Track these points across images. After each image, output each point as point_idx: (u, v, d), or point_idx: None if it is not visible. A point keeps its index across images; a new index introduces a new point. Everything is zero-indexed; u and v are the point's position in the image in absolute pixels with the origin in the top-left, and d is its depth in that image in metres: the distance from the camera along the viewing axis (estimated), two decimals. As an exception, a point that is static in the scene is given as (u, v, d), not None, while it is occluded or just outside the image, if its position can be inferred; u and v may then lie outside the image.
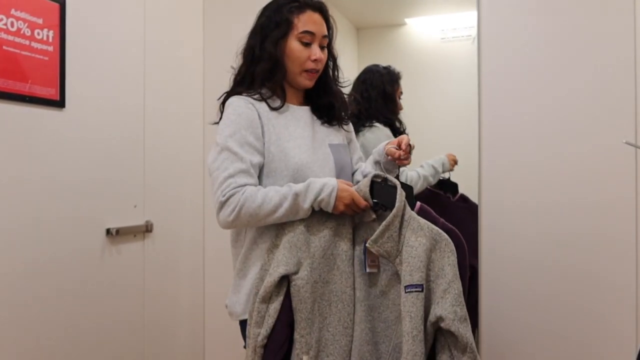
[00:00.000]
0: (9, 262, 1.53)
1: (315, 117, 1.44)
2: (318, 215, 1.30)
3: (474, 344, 1.19)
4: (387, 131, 1.93)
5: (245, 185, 1.25)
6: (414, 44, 2.02)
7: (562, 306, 1.79)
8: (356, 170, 1.53)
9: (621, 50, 1.74)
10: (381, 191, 1.28)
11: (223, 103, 1.39)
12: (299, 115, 1.40)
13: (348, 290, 1.28)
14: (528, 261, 1.83)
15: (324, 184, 1.25)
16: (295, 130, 1.37)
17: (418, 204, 1.35)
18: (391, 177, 1.28)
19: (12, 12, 1.54)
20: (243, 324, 1.36)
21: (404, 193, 1.25)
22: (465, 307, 1.20)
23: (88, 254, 1.78)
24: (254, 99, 1.35)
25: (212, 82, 2.33)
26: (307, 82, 1.38)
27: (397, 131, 1.96)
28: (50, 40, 1.65)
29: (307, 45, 1.34)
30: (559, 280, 1.79)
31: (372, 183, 1.29)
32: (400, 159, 1.40)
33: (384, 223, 1.22)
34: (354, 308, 1.28)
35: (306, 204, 1.24)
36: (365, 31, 2.08)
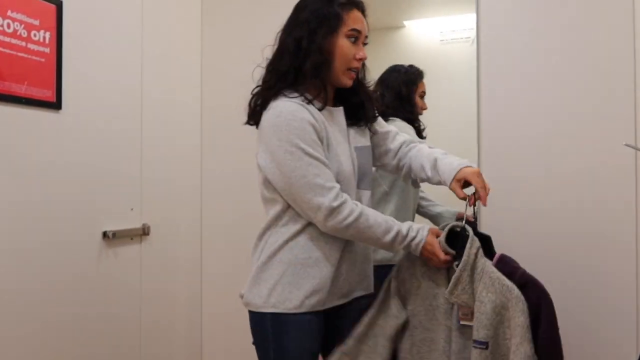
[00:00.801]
0: (5, 265, 1.52)
1: (347, 120, 1.40)
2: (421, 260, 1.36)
3: None
4: (406, 125, 1.90)
5: (338, 188, 1.26)
6: (413, 46, 2.02)
7: (562, 307, 1.78)
8: (404, 151, 1.50)
9: (620, 52, 1.74)
10: (458, 241, 1.30)
11: (261, 97, 1.35)
12: (337, 118, 1.37)
13: (442, 342, 1.31)
14: (528, 262, 1.82)
15: (418, 230, 1.30)
16: (339, 134, 1.35)
17: (498, 254, 1.34)
18: (468, 227, 1.29)
19: (9, 13, 1.54)
20: (257, 315, 1.33)
21: (475, 245, 1.26)
22: None
23: (85, 257, 1.76)
24: (302, 102, 1.29)
25: (210, 84, 2.33)
26: (348, 81, 1.35)
27: (417, 130, 1.92)
28: (47, 41, 1.64)
29: (354, 42, 1.32)
30: (559, 282, 1.78)
31: (450, 232, 1.31)
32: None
33: (454, 276, 1.25)
34: None
35: (401, 246, 1.31)
36: (365, 32, 2.07)
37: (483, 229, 1.86)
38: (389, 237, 1.28)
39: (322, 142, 1.27)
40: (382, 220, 1.29)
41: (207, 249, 2.32)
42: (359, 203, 1.30)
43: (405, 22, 2.02)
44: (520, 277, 1.27)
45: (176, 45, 2.21)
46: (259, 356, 1.35)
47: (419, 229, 1.31)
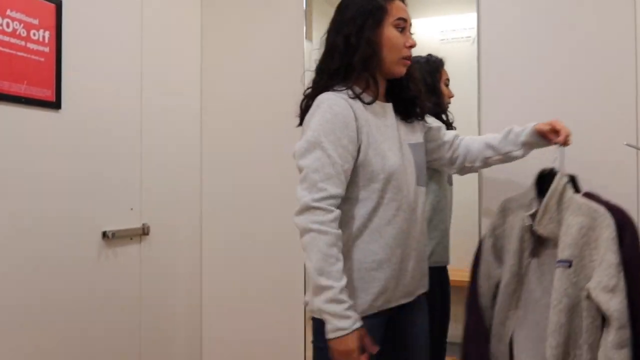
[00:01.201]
0: (4, 265, 1.51)
1: (397, 115, 1.39)
2: None
3: (621, 313, 1.20)
4: (435, 120, 1.87)
5: (334, 198, 1.21)
6: (413, 45, 2.02)
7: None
8: (457, 143, 1.54)
9: (621, 51, 1.73)
10: (547, 181, 1.39)
11: (312, 97, 1.33)
12: (387, 113, 1.35)
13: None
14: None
15: (348, 317, 1.17)
16: (387, 130, 1.32)
17: (584, 190, 1.41)
18: (557, 168, 1.39)
19: (8, 12, 1.53)
20: (318, 320, 1.26)
21: (564, 178, 1.36)
22: (615, 277, 1.21)
23: (84, 257, 1.76)
24: (349, 95, 1.28)
25: (210, 84, 2.32)
26: (402, 69, 1.35)
27: (445, 124, 1.86)
28: (46, 41, 1.64)
29: (402, 31, 1.33)
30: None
31: (540, 176, 1.42)
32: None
33: (541, 204, 1.36)
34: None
35: (322, 305, 1.17)
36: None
37: (483, 220, 1.86)
38: (321, 281, 1.16)
39: (358, 137, 1.25)
40: (334, 259, 1.17)
41: (207, 249, 2.32)
42: (338, 222, 1.21)
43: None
44: (605, 204, 1.31)
45: (176, 44, 2.21)
46: (317, 357, 1.31)
47: (354, 320, 1.17)
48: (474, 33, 1.89)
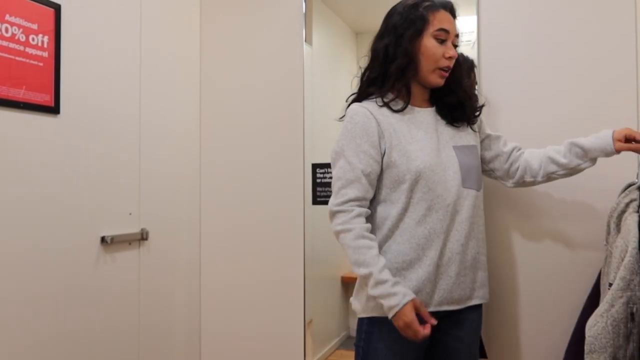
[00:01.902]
0: (3, 269, 1.50)
1: (439, 118, 1.41)
2: None
3: (593, 339, 1.17)
4: None
5: (355, 200, 1.30)
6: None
7: (566, 308, 1.76)
8: (517, 154, 1.52)
9: (622, 54, 1.73)
10: None
11: (348, 106, 1.41)
12: (421, 118, 1.39)
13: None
14: (527, 260, 1.81)
15: (396, 294, 1.23)
16: (418, 132, 1.36)
17: None
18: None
19: (7, 17, 1.53)
20: (359, 320, 1.38)
21: (630, 196, 1.32)
22: (607, 304, 1.18)
23: (83, 262, 1.75)
24: (377, 104, 1.36)
25: (208, 88, 2.32)
26: (439, 80, 1.37)
27: None
28: (45, 45, 1.64)
29: (442, 42, 1.34)
30: (561, 282, 1.77)
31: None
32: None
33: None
34: None
35: (373, 292, 1.26)
36: (364, 36, 2.06)
37: (486, 227, 1.84)
38: (361, 271, 1.27)
39: (380, 142, 1.32)
40: (365, 248, 1.26)
41: (206, 254, 2.31)
42: (362, 218, 1.30)
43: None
44: None
45: (175, 49, 2.21)
46: (355, 356, 1.39)
47: (403, 294, 1.24)
48: (473, 37, 1.89)
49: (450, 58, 1.35)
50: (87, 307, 1.76)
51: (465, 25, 1.91)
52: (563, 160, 1.45)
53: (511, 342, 1.83)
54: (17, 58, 1.56)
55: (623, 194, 1.37)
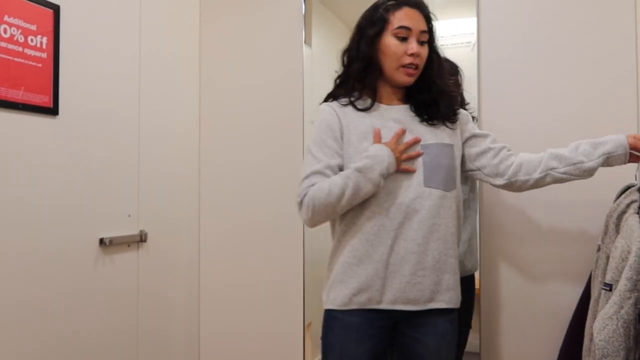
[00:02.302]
0: (0, 271, 1.49)
1: (413, 116, 1.40)
2: None
3: (605, 343, 1.15)
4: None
5: (315, 174, 1.34)
6: (412, 51, 2.01)
7: (565, 310, 1.75)
8: (506, 155, 1.46)
9: (622, 55, 1.73)
10: None
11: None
12: (388, 115, 1.39)
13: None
14: (527, 261, 1.81)
15: (377, 150, 1.29)
16: (382, 129, 1.36)
17: None
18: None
19: (5, 18, 1.52)
20: (324, 312, 1.40)
21: (630, 197, 1.31)
22: (616, 305, 1.16)
23: (81, 263, 1.74)
24: (341, 103, 1.41)
25: (208, 89, 2.32)
26: (405, 77, 1.36)
27: None
28: (44, 46, 1.63)
29: (403, 40, 1.34)
30: (561, 283, 1.76)
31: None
32: None
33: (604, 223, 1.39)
34: None
35: (373, 175, 1.27)
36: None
37: (483, 228, 1.84)
38: (352, 181, 1.28)
39: (342, 138, 1.36)
40: (339, 176, 1.30)
41: (205, 256, 2.30)
42: (313, 186, 1.32)
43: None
44: None
45: (174, 50, 2.20)
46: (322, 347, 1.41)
47: (376, 150, 1.30)
48: (473, 38, 1.89)
49: (412, 55, 1.34)
50: (85, 309, 1.75)
51: (466, 26, 1.91)
52: (567, 154, 1.39)
53: (504, 342, 1.82)
54: (15, 59, 1.55)
55: (623, 195, 1.36)
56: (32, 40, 1.60)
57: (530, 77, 1.82)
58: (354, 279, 1.33)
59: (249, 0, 2.25)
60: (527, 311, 1.81)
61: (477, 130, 1.48)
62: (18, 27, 1.56)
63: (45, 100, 1.64)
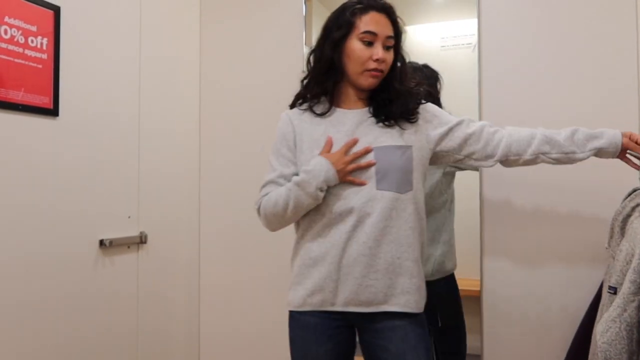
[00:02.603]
0: (1, 273, 1.49)
1: (368, 118, 1.39)
2: None
3: (607, 346, 1.14)
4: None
5: (270, 184, 1.39)
6: (413, 52, 1.98)
7: (567, 313, 1.75)
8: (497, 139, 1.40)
9: (623, 57, 1.72)
10: None
11: None
12: (343, 120, 1.38)
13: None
14: (528, 261, 1.80)
15: (315, 164, 1.31)
16: (335, 135, 1.36)
17: None
18: None
19: (6, 19, 1.52)
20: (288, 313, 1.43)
21: (635, 200, 1.30)
22: (619, 308, 1.15)
23: (81, 265, 1.74)
24: (300, 109, 1.43)
25: (209, 90, 2.31)
26: (370, 79, 1.35)
27: None
28: (45, 48, 1.63)
29: (369, 45, 1.33)
30: (568, 287, 1.76)
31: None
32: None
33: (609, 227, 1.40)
34: None
35: (313, 189, 1.30)
36: (364, 38, 2.05)
37: (485, 231, 1.84)
38: (292, 193, 1.31)
39: (296, 145, 1.39)
40: (284, 188, 1.34)
41: (205, 258, 2.29)
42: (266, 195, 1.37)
43: (407, 27, 2.00)
44: None
45: (175, 51, 2.20)
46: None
47: (314, 164, 1.31)
48: (474, 39, 1.88)
49: (377, 60, 1.32)
50: (85, 310, 1.75)
51: (466, 28, 1.91)
52: (561, 141, 1.36)
53: (511, 347, 1.82)
54: (16, 60, 1.55)
55: (629, 198, 1.35)
56: (32, 41, 1.59)
57: (532, 78, 1.81)
58: (308, 280, 1.35)
59: (249, 1, 2.24)
60: (532, 314, 1.80)
61: (449, 120, 1.42)
62: (18, 28, 1.55)
63: (46, 101, 1.63)
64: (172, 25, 2.19)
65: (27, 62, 1.58)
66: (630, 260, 1.18)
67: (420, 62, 1.86)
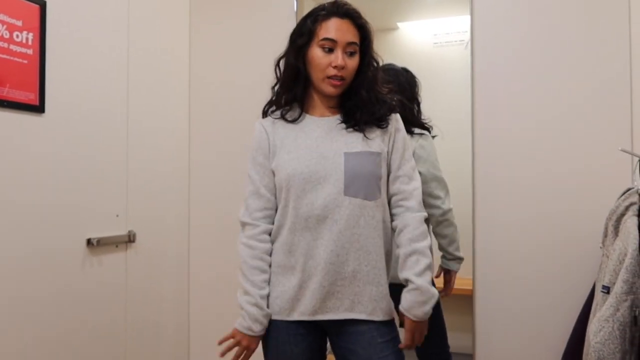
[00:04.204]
0: (-18, 274, 1.46)
1: (338, 124, 1.37)
2: None
3: (601, 346, 1.14)
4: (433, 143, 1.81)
5: (258, 211, 1.38)
6: (406, 49, 1.99)
7: (562, 313, 1.74)
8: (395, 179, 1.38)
9: (616, 57, 1.72)
10: None
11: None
12: (313, 126, 1.38)
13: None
14: (522, 265, 1.80)
15: (259, 323, 1.32)
16: (305, 141, 1.35)
17: None
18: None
19: (-10, 13, 1.49)
20: None
21: (629, 199, 1.30)
22: (612, 308, 1.15)
23: (68, 265, 1.71)
24: (273, 117, 1.43)
25: (198, 88, 2.29)
26: (330, 89, 1.34)
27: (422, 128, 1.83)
28: (30, 43, 1.60)
29: (329, 51, 1.31)
30: (556, 286, 1.75)
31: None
32: None
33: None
34: None
35: (243, 304, 1.34)
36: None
37: (477, 230, 1.83)
38: (245, 286, 1.34)
39: (270, 152, 1.39)
40: (258, 271, 1.34)
41: (195, 257, 2.27)
42: (267, 236, 1.37)
43: (399, 24, 1.99)
44: None
45: (164, 47, 2.17)
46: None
47: (263, 329, 1.33)
48: (467, 36, 1.87)
49: (337, 67, 1.30)
50: (72, 311, 1.72)
51: (459, 25, 1.90)
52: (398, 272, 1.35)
53: (504, 346, 1.81)
54: (0, 55, 1.51)
55: (622, 197, 1.35)
56: (17, 36, 1.56)
57: (525, 75, 1.81)
58: (277, 287, 1.34)
59: (240, -3, 2.22)
60: (527, 314, 1.79)
61: (401, 159, 1.39)
62: (3, 22, 1.52)
63: (31, 97, 1.60)
64: (162, 20, 2.16)
65: (12, 58, 1.55)
66: (624, 260, 1.18)
67: (413, 58, 1.85)
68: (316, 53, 1.32)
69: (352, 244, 1.30)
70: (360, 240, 1.30)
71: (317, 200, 1.30)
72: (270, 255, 1.37)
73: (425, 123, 1.82)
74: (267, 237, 1.37)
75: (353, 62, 1.33)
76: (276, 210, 1.38)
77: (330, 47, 1.31)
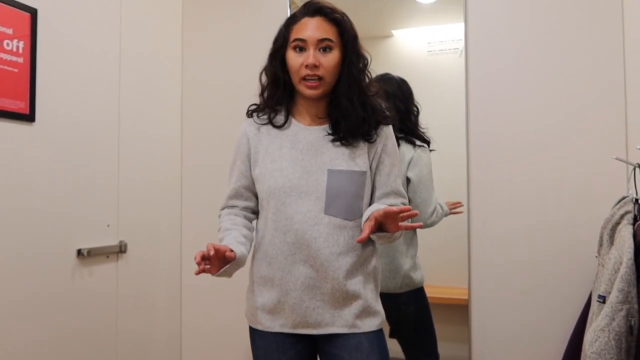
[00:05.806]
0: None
1: (326, 135, 1.33)
2: None
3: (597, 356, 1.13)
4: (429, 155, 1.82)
5: (236, 208, 1.42)
6: (400, 56, 1.98)
7: (556, 322, 1.73)
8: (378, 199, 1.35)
9: (610, 64, 1.72)
10: None
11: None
12: (300, 136, 1.33)
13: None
14: (516, 269, 1.79)
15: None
16: (289, 152, 1.32)
17: None
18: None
19: (-21, 21, 1.48)
20: None
21: (624, 208, 1.30)
22: (607, 318, 1.13)
23: (58, 275, 1.68)
24: (259, 122, 1.41)
25: (190, 96, 2.28)
26: (307, 90, 1.29)
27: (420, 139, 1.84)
28: (21, 51, 1.58)
29: (301, 51, 1.29)
30: (552, 295, 1.74)
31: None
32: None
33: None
34: None
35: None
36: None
37: (472, 239, 1.82)
38: (220, 234, 1.37)
39: (250, 157, 1.39)
40: (230, 222, 1.37)
41: (187, 267, 2.25)
42: (238, 211, 1.41)
43: (393, 32, 1.99)
44: None
45: (156, 55, 2.16)
46: None
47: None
48: (461, 44, 1.87)
49: (308, 66, 1.26)
50: (62, 322, 1.69)
51: (453, 32, 1.90)
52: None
53: (500, 357, 1.79)
54: (-10, 63, 1.50)
55: (617, 206, 1.34)
56: (7, 45, 1.55)
57: (518, 83, 1.81)
58: (259, 298, 1.35)
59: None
60: (521, 323, 1.78)
61: (385, 175, 1.35)
62: (-7, 30, 1.51)
63: (22, 106, 1.59)
64: (153, 29, 2.16)
65: (2, 66, 1.54)
66: (619, 269, 1.17)
67: (407, 66, 1.85)
68: (289, 55, 1.31)
69: (330, 262, 1.27)
70: (339, 259, 1.28)
71: (296, 215, 1.27)
72: (252, 232, 1.40)
73: (424, 134, 1.82)
74: (248, 215, 1.41)
75: (329, 59, 1.28)
76: (257, 207, 1.41)
77: (301, 46, 1.29)
